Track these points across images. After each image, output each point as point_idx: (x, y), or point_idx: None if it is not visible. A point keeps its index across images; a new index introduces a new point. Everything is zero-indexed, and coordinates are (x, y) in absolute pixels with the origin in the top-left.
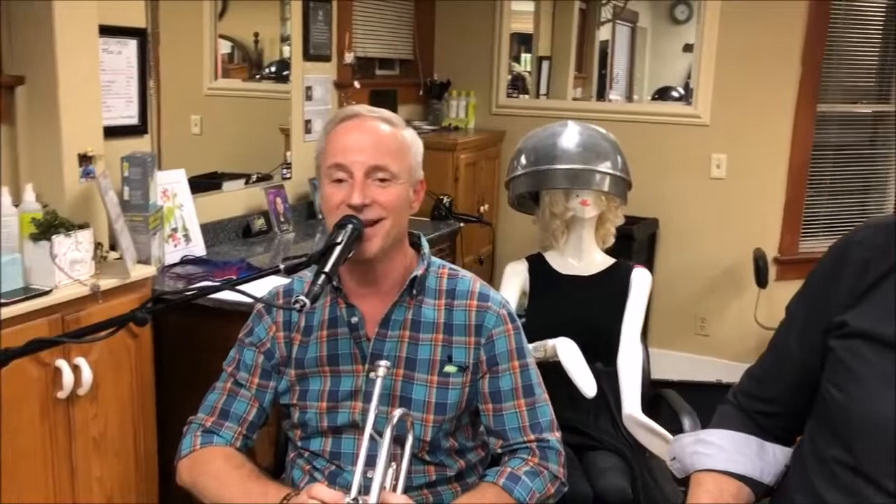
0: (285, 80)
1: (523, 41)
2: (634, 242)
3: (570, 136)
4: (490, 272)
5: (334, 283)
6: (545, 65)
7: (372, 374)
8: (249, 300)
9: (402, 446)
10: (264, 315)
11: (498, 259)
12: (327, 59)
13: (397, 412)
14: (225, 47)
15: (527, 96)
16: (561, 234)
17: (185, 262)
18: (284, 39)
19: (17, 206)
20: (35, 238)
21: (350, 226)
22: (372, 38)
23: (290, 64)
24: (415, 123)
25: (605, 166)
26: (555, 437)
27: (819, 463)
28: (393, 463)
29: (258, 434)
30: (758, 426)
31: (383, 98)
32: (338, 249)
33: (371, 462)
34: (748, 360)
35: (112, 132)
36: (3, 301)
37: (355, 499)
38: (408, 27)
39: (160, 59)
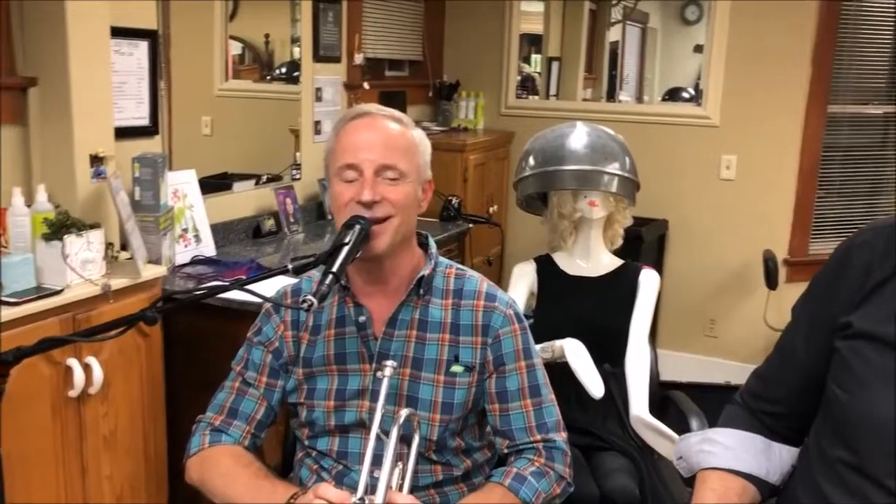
0: (296, 81)
1: (533, 42)
2: (644, 243)
3: (578, 137)
4: (499, 273)
5: (342, 282)
6: (555, 66)
7: (379, 374)
8: (258, 300)
9: (409, 446)
10: (273, 314)
11: (507, 260)
12: (337, 60)
13: (403, 412)
14: (236, 48)
15: (536, 97)
16: (569, 235)
17: (195, 262)
18: (295, 41)
19: (29, 206)
20: (47, 238)
21: (358, 226)
22: (381, 40)
23: (300, 65)
24: (424, 124)
25: (614, 167)
26: (561, 437)
27: (824, 463)
28: (399, 462)
29: (266, 433)
30: (764, 426)
31: (392, 99)
32: (345, 249)
33: (378, 461)
34: (757, 361)
35: (123, 133)
36: (15, 300)
37: (361, 498)
38: (417, 28)
39: (171, 60)
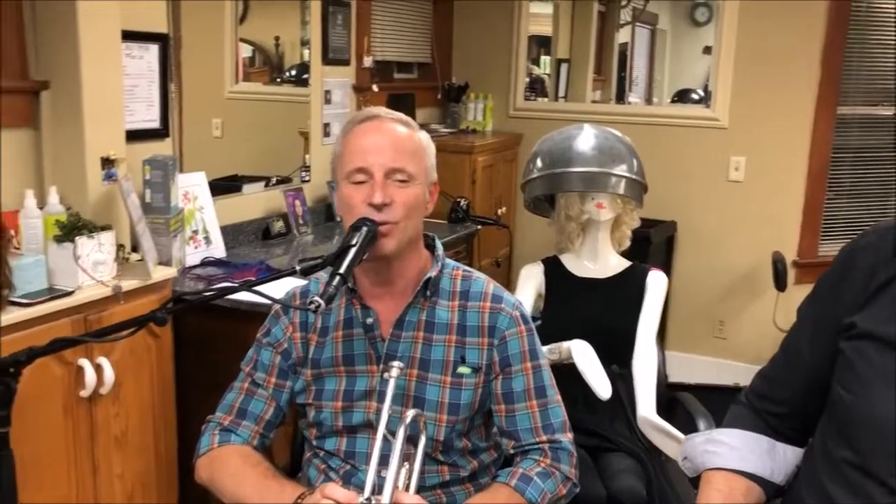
0: (305, 83)
1: (542, 44)
2: (652, 245)
3: (585, 139)
4: (507, 275)
5: (349, 284)
6: (564, 67)
7: (385, 375)
8: (267, 301)
9: (416, 446)
10: (281, 316)
11: (515, 261)
12: (346, 62)
13: (410, 412)
14: (246, 51)
15: (545, 99)
16: (576, 237)
17: (205, 263)
18: (305, 43)
19: (41, 208)
20: (59, 240)
21: (365, 228)
22: (390, 42)
23: (309, 67)
24: (432, 126)
25: (621, 169)
26: (567, 438)
27: (829, 463)
28: (406, 463)
29: (275, 433)
30: (769, 426)
31: (401, 101)
32: (352, 251)
33: (385, 461)
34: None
35: (134, 136)
36: (28, 301)
37: (368, 498)
38: (426, 31)
39: (182, 62)
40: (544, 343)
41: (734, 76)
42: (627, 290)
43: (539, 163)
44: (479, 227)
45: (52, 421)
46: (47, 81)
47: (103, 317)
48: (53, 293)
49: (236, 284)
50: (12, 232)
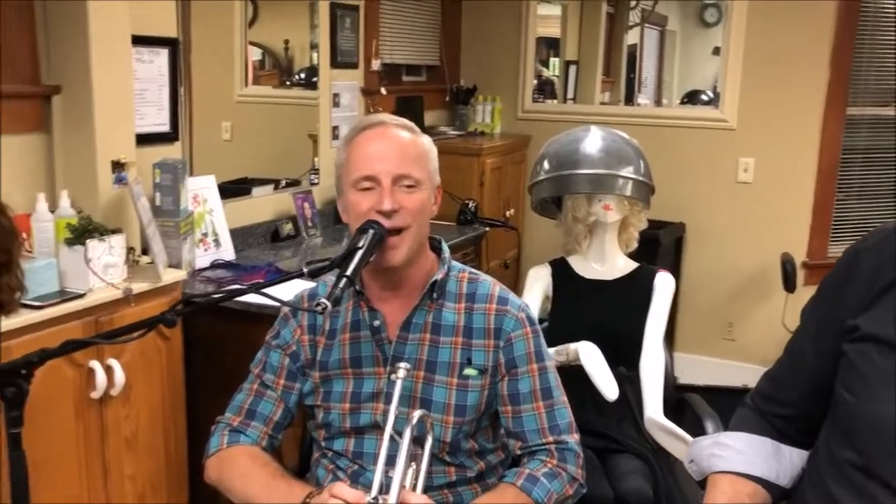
0: (314, 86)
1: (551, 45)
2: (661, 247)
3: (592, 141)
4: (515, 276)
5: (357, 286)
6: (572, 69)
7: (392, 377)
8: (276, 303)
9: (423, 447)
10: (290, 318)
11: (523, 263)
12: (354, 66)
13: (416, 413)
14: (255, 54)
15: (554, 101)
16: (584, 239)
17: (214, 266)
18: (314, 46)
19: (53, 211)
20: (70, 243)
21: (371, 230)
22: (398, 45)
23: (318, 71)
24: (441, 129)
25: (628, 171)
26: (573, 438)
27: (833, 465)
28: (413, 463)
29: (284, 434)
30: (774, 429)
31: (410, 104)
32: (359, 254)
33: (392, 462)
34: None
35: (144, 139)
36: (39, 304)
37: (376, 498)
38: (434, 33)
39: (192, 66)
40: (552, 345)
41: (743, 77)
42: (635, 291)
43: (546, 165)
44: (487, 229)
45: (63, 422)
46: (59, 86)
47: (114, 319)
48: (65, 296)
49: (245, 287)
50: (24, 235)
